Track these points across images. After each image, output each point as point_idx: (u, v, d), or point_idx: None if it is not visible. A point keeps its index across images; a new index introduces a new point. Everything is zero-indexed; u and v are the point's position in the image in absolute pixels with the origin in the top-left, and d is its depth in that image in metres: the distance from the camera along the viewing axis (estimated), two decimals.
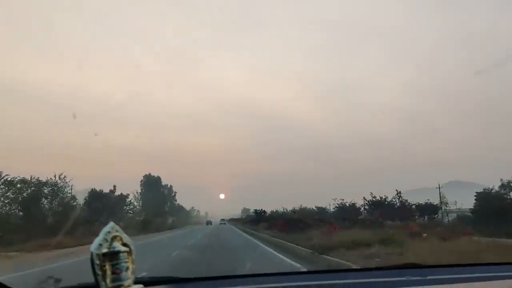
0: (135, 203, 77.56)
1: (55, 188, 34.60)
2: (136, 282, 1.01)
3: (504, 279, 1.79)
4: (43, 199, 33.90)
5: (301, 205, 65.00)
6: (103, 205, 48.06)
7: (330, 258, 11.16)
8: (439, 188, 46.62)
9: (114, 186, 56.84)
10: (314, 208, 62.60)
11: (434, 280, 1.85)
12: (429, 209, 38.42)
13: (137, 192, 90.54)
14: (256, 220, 51.77)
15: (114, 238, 0.98)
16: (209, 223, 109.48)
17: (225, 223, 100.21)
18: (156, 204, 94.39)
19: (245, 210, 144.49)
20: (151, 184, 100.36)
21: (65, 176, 37.63)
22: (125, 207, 57.46)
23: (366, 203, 43.89)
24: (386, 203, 41.58)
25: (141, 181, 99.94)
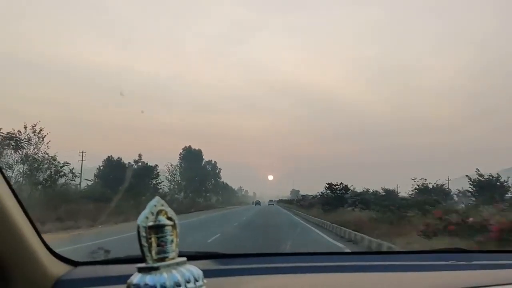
0: (169, 177, 71.45)
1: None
2: (181, 255, 1.04)
3: None
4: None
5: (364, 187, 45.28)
6: (119, 176, 40.69)
7: None
8: None
9: (140, 155, 49.40)
10: (381, 191, 44.64)
11: (479, 265, 1.80)
12: None
13: (171, 165, 77.55)
14: (333, 203, 33.46)
15: (159, 212, 1.01)
16: (257, 203, 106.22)
17: (273, 204, 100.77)
18: (197, 180, 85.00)
19: (294, 192, 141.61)
20: (191, 157, 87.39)
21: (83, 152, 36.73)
22: (151, 180, 48.35)
23: (470, 184, 33.31)
24: (499, 183, 31.29)
25: (180, 155, 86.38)
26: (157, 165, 50.61)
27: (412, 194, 38.81)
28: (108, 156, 47.87)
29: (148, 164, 49.67)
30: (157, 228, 0.99)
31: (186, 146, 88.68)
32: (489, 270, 1.72)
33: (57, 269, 1.53)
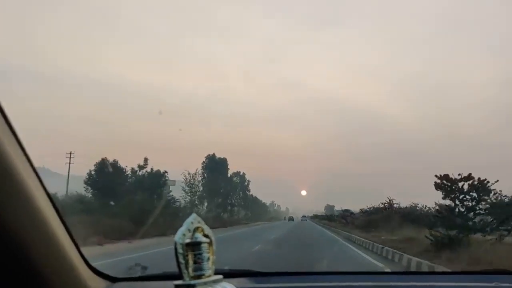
0: (186, 188, 61.57)
1: None
2: (216, 273, 1.04)
3: None
4: None
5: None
6: (113, 183, 35.04)
7: None
8: None
9: (146, 159, 40.70)
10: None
11: None
12: None
13: (189, 174, 64.50)
14: None
15: (196, 229, 1.02)
16: (290, 219, 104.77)
17: (306, 220, 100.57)
18: (222, 192, 76.22)
19: (328, 207, 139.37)
20: (215, 167, 75.26)
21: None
22: (158, 189, 39.89)
23: None
24: None
25: (202, 164, 73.85)
26: (166, 172, 42.03)
27: None
28: (102, 159, 39.04)
29: (153, 170, 40.77)
30: (194, 246, 1.00)
31: (209, 154, 76.63)
32: None
33: (96, 284, 1.55)
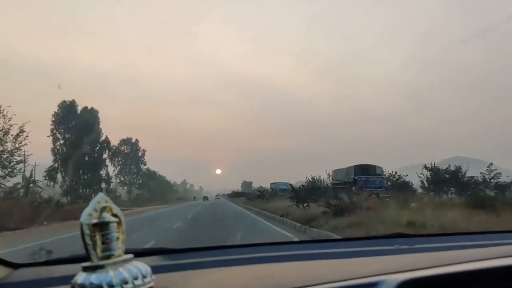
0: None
1: None
2: (127, 252, 1.01)
3: (488, 247, 1.83)
4: None
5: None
6: None
7: None
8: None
9: None
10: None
11: (421, 249, 1.89)
12: None
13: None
14: None
15: (103, 208, 0.98)
16: (205, 198, 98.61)
17: (219, 198, 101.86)
18: (89, 162, 51.86)
19: (246, 184, 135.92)
20: (79, 124, 50.08)
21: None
22: None
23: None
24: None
25: (54, 117, 50.85)
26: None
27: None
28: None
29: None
30: (102, 226, 0.96)
31: (65, 101, 51.21)
32: (431, 253, 1.81)
33: None
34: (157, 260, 1.75)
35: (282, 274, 1.61)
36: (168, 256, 1.88)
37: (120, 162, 74.97)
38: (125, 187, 76.40)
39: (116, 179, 72.25)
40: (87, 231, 0.93)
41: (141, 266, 0.99)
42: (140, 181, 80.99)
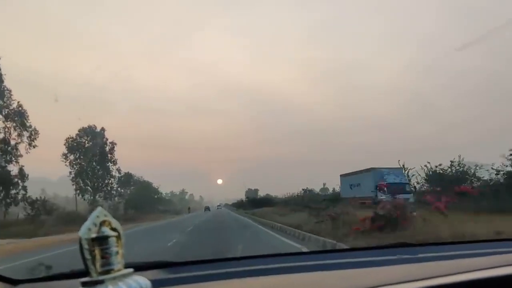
0: None
1: None
2: (127, 266, 1.00)
3: (491, 255, 1.82)
4: None
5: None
6: None
7: None
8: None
9: None
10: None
11: (424, 258, 1.88)
12: None
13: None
14: None
15: (102, 223, 0.97)
16: (207, 209, 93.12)
17: (221, 208, 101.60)
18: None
19: (250, 191, 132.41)
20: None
21: None
22: None
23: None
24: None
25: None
26: None
27: None
28: None
29: None
30: (101, 240, 0.95)
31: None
32: (434, 262, 1.79)
33: None
34: (157, 274, 1.73)
35: (286, 286, 1.59)
36: (169, 269, 1.86)
37: (78, 160, 55.27)
38: (85, 196, 56.86)
39: (73, 184, 55.62)
40: (86, 246, 0.92)
41: (141, 280, 0.98)
42: (108, 188, 60.00)
